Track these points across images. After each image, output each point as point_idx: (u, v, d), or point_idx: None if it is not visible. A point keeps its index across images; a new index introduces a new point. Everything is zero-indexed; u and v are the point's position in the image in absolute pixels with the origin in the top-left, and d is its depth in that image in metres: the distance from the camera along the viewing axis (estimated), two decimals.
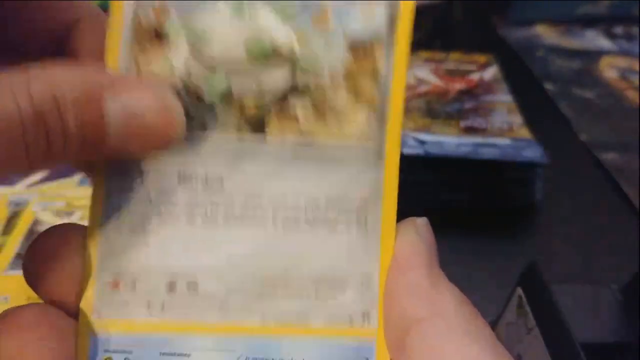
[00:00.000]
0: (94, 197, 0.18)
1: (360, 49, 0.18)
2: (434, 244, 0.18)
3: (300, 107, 0.18)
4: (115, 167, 0.18)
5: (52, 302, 0.17)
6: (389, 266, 0.18)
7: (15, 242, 0.40)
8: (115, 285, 0.17)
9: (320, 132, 0.18)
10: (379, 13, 0.18)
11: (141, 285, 0.17)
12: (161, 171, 0.18)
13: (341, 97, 0.18)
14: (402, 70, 0.19)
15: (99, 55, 0.18)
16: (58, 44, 0.20)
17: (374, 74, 0.18)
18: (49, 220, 0.42)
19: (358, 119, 0.18)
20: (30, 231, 0.41)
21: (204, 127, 0.18)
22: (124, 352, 0.17)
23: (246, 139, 0.18)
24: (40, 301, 0.17)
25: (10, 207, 0.43)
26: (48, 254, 0.17)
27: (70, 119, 0.15)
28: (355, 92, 0.18)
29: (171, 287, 0.18)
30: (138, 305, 0.17)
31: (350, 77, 0.18)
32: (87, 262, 0.17)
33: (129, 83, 0.16)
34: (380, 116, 0.18)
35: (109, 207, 0.18)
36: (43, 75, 0.15)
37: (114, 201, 0.18)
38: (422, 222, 0.18)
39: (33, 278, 0.17)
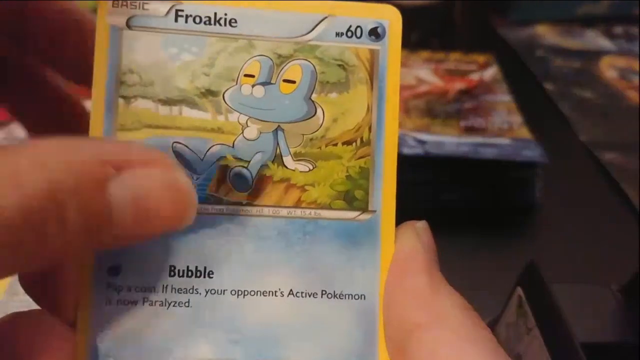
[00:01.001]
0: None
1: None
2: (434, 247, 0.18)
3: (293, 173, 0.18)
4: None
5: (50, 309, 0.17)
6: (388, 271, 0.18)
7: None
8: None
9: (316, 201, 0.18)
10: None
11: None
12: (152, 261, 0.17)
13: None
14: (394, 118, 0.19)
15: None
16: (56, 46, 0.19)
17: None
18: None
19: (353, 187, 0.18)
20: None
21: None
22: None
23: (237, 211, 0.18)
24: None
25: None
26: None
27: (71, 213, 0.13)
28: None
29: None
30: None
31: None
32: (83, 270, 0.17)
33: (135, 159, 0.14)
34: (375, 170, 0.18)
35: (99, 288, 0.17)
36: (35, 160, 0.13)
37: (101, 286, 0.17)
38: (421, 225, 0.18)
39: (31, 289, 0.17)
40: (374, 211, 0.18)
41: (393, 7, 0.18)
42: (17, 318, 0.16)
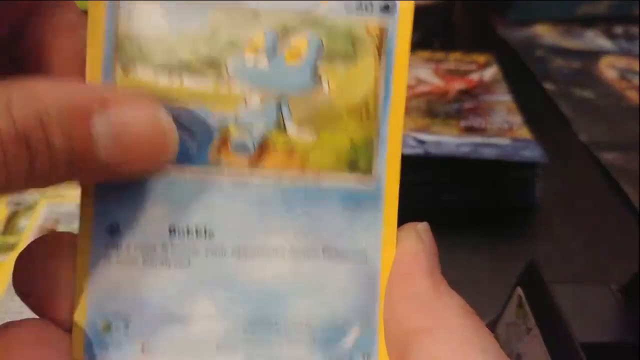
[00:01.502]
0: (83, 216, 0.17)
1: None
2: (435, 249, 0.18)
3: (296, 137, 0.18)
4: (103, 203, 0.17)
5: (46, 317, 0.17)
6: (389, 274, 0.18)
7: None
8: (107, 328, 0.17)
9: (317, 165, 0.18)
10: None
11: (134, 325, 0.17)
12: (151, 220, 0.17)
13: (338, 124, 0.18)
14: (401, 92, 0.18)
15: (60, 42, 0.17)
16: (15, 31, 0.18)
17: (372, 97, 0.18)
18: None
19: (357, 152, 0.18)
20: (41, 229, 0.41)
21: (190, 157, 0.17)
22: None
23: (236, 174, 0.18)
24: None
25: (10, 206, 0.43)
26: (37, 269, 0.17)
27: (56, 138, 0.14)
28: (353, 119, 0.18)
29: (164, 326, 0.17)
30: (131, 345, 0.17)
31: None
32: (79, 284, 0.17)
33: (118, 97, 0.15)
34: (379, 141, 0.18)
35: (98, 236, 0.17)
36: (25, 92, 0.14)
37: (100, 240, 0.17)
38: (423, 227, 0.18)
39: (24, 294, 0.17)
40: (378, 178, 0.18)
41: None
42: (11, 327, 0.16)
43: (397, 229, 0.18)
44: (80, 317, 0.17)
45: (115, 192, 0.17)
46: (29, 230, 0.41)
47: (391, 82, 0.18)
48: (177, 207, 0.17)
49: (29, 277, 0.17)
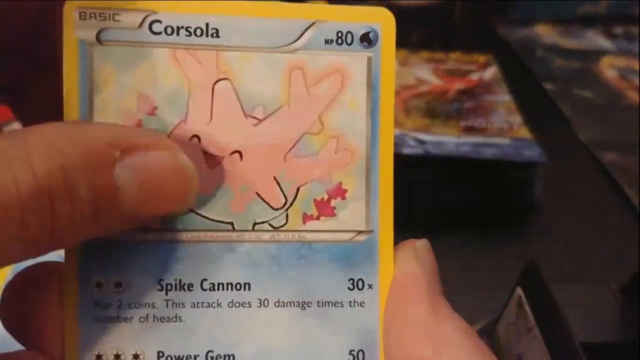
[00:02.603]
0: (67, 295, 0.16)
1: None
2: (435, 268, 0.17)
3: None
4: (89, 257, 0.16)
5: (36, 349, 0.16)
6: (387, 297, 0.17)
7: None
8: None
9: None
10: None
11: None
12: (140, 277, 0.17)
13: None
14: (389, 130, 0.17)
15: None
16: (33, 26, 0.18)
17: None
18: None
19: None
20: None
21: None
22: None
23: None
24: None
25: None
26: (24, 300, 0.16)
27: (80, 191, 0.13)
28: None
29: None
30: None
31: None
32: (68, 310, 0.16)
33: (139, 141, 0.15)
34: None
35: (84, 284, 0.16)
36: (44, 141, 0.13)
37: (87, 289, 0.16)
38: (422, 245, 0.17)
39: (11, 326, 0.16)
40: (371, 231, 0.17)
41: (385, 9, 0.17)
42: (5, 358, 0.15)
43: (395, 247, 0.17)
44: (72, 350, 0.16)
45: (101, 249, 0.17)
46: None
47: (378, 123, 0.17)
48: (167, 264, 0.17)
49: (16, 311, 0.16)
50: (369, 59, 0.17)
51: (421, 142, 0.46)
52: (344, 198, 0.17)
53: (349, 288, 0.17)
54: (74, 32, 0.16)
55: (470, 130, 0.49)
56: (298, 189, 0.17)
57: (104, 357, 0.16)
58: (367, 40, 0.17)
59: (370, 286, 0.17)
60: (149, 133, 0.16)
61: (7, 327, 0.16)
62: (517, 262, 0.31)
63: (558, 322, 0.27)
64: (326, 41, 0.17)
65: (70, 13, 0.16)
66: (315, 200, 0.17)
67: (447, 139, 0.47)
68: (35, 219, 0.13)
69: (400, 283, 0.17)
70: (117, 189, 0.14)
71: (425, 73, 0.57)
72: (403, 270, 0.17)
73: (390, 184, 0.17)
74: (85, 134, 0.14)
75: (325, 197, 0.17)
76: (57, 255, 0.16)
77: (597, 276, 0.42)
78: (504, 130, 0.49)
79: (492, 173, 0.46)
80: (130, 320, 0.17)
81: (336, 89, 0.17)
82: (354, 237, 0.17)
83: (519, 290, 0.30)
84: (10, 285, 0.16)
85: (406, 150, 0.45)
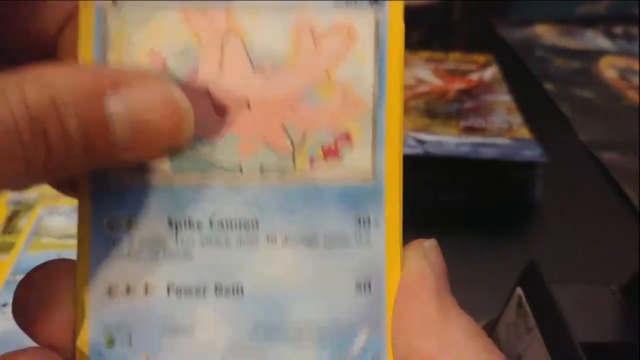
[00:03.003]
0: (80, 233, 0.17)
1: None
2: (443, 268, 0.17)
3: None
4: (102, 204, 0.17)
5: (47, 346, 0.16)
6: (395, 297, 0.17)
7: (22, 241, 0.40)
8: (111, 342, 0.17)
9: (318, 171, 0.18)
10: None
11: (137, 337, 0.17)
12: (150, 215, 0.17)
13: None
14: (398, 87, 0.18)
15: None
16: (50, 45, 0.18)
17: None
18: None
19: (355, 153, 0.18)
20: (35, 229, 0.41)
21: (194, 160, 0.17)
22: None
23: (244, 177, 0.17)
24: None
25: (10, 206, 0.43)
26: (37, 297, 0.16)
27: (71, 122, 0.14)
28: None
29: (167, 337, 0.17)
30: (135, 359, 0.17)
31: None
32: (79, 305, 0.17)
33: (131, 77, 0.15)
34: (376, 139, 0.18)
35: (96, 253, 0.17)
36: (38, 77, 0.14)
37: (100, 249, 0.17)
38: (430, 245, 0.17)
39: (24, 323, 0.16)
40: (377, 175, 0.18)
41: None
42: (13, 356, 0.16)
43: (404, 247, 0.18)
44: (83, 335, 0.17)
45: (112, 188, 0.17)
46: (27, 229, 0.41)
47: (385, 76, 0.18)
48: (177, 203, 0.17)
49: (28, 307, 0.16)
50: (377, 16, 0.18)
51: (421, 142, 0.46)
52: (350, 144, 0.18)
53: (355, 226, 0.18)
54: None
55: (470, 130, 0.49)
56: (305, 136, 0.18)
57: (114, 289, 0.17)
58: (376, 1, 0.18)
59: (376, 225, 0.18)
60: (142, 71, 0.16)
61: (20, 324, 0.16)
62: (517, 262, 0.31)
63: (558, 322, 0.27)
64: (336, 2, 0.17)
65: None
66: (322, 146, 0.18)
67: (447, 139, 0.47)
68: (32, 148, 0.13)
69: (409, 282, 0.17)
70: (108, 123, 0.14)
71: (425, 73, 0.57)
72: (411, 270, 0.17)
73: (399, 136, 0.18)
74: (78, 71, 0.15)
75: (332, 143, 0.18)
76: (68, 254, 0.16)
77: (597, 276, 0.42)
78: (504, 130, 0.49)
79: (492, 173, 0.46)
80: (141, 256, 0.17)
81: (344, 44, 0.18)
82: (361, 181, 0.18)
83: (519, 290, 0.30)
84: (23, 283, 0.16)
85: (406, 150, 0.45)
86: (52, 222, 0.42)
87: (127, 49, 0.17)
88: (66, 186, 0.19)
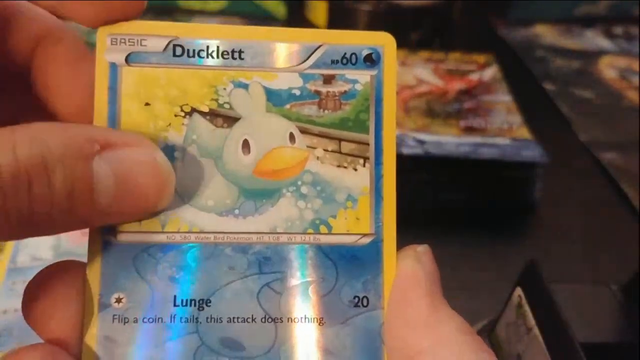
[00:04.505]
0: (89, 284, 0.17)
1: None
2: (435, 271, 0.18)
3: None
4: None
5: (55, 343, 0.17)
6: (389, 298, 0.18)
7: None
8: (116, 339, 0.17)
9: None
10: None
11: (141, 335, 0.17)
12: (157, 292, 0.17)
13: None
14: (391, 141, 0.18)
15: (64, 73, 0.18)
16: (23, 61, 0.19)
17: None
18: None
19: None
20: None
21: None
22: None
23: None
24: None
25: None
26: (47, 295, 0.17)
27: (57, 179, 0.14)
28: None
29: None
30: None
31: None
32: (89, 302, 0.17)
33: (118, 139, 0.16)
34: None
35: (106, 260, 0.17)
36: (30, 133, 0.14)
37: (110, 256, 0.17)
38: (422, 249, 0.18)
39: (33, 319, 0.17)
40: (374, 234, 0.18)
41: (387, 34, 0.19)
42: (22, 352, 0.16)
43: (398, 252, 0.18)
44: (91, 331, 0.17)
45: (120, 261, 0.17)
46: None
47: (381, 134, 0.18)
48: (180, 277, 0.17)
49: (38, 306, 0.17)
50: (372, 77, 0.18)
51: (421, 142, 0.46)
52: None
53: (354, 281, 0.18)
54: (105, 55, 0.18)
55: (470, 130, 0.49)
56: None
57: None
58: (370, 60, 0.18)
59: (374, 287, 0.18)
60: (129, 133, 0.17)
61: (29, 321, 0.17)
62: (517, 262, 0.31)
63: (558, 322, 0.27)
64: (332, 62, 0.18)
65: (102, 38, 0.18)
66: None
67: (447, 139, 0.47)
68: (15, 199, 0.14)
69: (402, 284, 0.18)
70: (94, 181, 0.15)
71: (425, 73, 0.57)
72: (404, 272, 0.18)
73: (393, 192, 0.18)
74: (68, 129, 0.15)
75: None
76: (76, 254, 0.16)
77: (597, 276, 0.42)
78: (504, 130, 0.49)
79: (492, 173, 0.46)
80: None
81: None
82: (358, 240, 0.18)
83: (519, 290, 0.30)
84: (33, 281, 0.17)
85: (406, 150, 0.45)
86: None
87: (141, 105, 0.18)
88: None
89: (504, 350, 0.31)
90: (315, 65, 0.18)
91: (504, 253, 0.44)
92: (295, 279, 0.18)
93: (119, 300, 0.17)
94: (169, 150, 0.17)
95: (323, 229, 0.18)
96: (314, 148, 0.18)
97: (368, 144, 0.18)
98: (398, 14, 0.64)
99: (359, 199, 0.18)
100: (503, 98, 0.53)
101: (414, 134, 0.47)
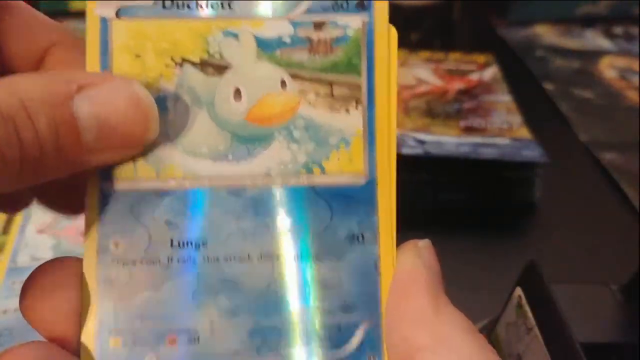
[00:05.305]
0: (88, 232, 0.17)
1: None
2: (436, 267, 0.17)
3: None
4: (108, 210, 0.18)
5: (53, 340, 0.17)
6: (389, 293, 0.18)
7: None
8: (116, 344, 0.17)
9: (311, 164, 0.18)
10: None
11: (142, 340, 0.17)
12: (153, 235, 0.18)
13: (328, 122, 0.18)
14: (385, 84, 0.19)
15: (17, 44, 0.18)
16: (32, 67, 0.19)
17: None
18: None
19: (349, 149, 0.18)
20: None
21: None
22: None
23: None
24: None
25: None
26: (45, 292, 0.17)
27: (41, 121, 0.15)
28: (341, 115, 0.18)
29: (171, 341, 0.17)
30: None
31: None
32: (86, 302, 0.17)
33: (95, 79, 0.16)
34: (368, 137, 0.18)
35: (103, 247, 0.17)
36: (7, 83, 0.15)
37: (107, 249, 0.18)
38: (424, 244, 0.18)
39: (31, 316, 0.17)
40: (368, 175, 0.18)
41: None
42: (18, 350, 0.16)
43: (398, 247, 0.18)
44: (89, 335, 0.17)
45: (118, 208, 0.18)
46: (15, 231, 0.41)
47: (373, 78, 0.18)
48: (177, 221, 0.18)
49: (36, 302, 0.17)
50: (364, 23, 0.18)
51: (421, 142, 0.46)
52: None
53: (348, 222, 0.18)
54: (96, 10, 0.18)
55: (470, 130, 0.49)
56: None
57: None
58: (362, 5, 0.18)
59: (371, 229, 0.18)
60: (104, 73, 0.17)
61: (27, 318, 0.17)
62: (517, 262, 0.31)
63: (558, 322, 0.27)
64: (323, 8, 0.18)
65: None
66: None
67: (447, 139, 0.47)
68: (5, 143, 0.14)
69: (402, 279, 0.17)
70: (76, 123, 0.15)
71: (425, 73, 0.57)
72: (405, 267, 0.17)
73: (387, 133, 0.18)
74: (45, 75, 0.15)
75: None
76: (74, 252, 0.17)
77: (597, 276, 0.42)
78: (504, 130, 0.49)
79: (492, 173, 0.46)
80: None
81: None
82: (352, 179, 0.18)
83: (519, 290, 0.30)
84: (31, 279, 0.17)
85: (406, 150, 0.45)
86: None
87: (133, 58, 0.18)
88: (53, 201, 0.20)
89: (504, 350, 0.31)
90: (305, 12, 0.18)
91: (504, 253, 0.44)
92: (291, 219, 0.18)
93: (117, 244, 0.17)
94: (161, 101, 0.18)
95: (316, 170, 0.18)
96: (306, 92, 0.18)
97: (360, 87, 0.18)
98: (398, 14, 0.64)
99: (351, 141, 0.18)
100: (503, 98, 0.53)
101: (414, 134, 0.47)
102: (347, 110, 0.18)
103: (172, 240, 0.18)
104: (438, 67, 0.58)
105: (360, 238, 0.18)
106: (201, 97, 0.18)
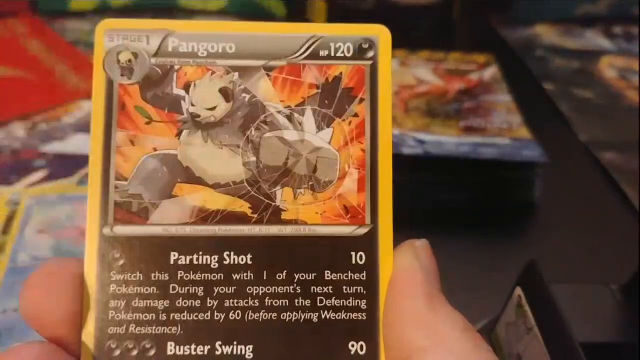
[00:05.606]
0: (89, 235, 0.18)
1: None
2: (434, 267, 0.17)
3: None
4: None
5: (54, 341, 0.17)
6: (387, 294, 0.18)
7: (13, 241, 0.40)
8: (116, 349, 0.17)
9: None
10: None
11: (143, 345, 0.17)
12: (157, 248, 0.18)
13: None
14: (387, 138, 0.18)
15: None
16: None
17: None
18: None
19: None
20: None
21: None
22: None
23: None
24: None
25: (9, 206, 0.43)
26: (45, 292, 0.17)
27: None
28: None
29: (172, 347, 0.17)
30: None
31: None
32: (86, 303, 0.17)
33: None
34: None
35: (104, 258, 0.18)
36: None
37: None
38: (421, 245, 0.18)
39: (31, 316, 0.17)
40: (371, 225, 0.18)
41: (382, 26, 0.19)
42: (19, 350, 0.16)
43: (395, 247, 0.18)
44: (89, 336, 0.17)
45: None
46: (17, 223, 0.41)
47: (377, 124, 0.18)
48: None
49: (36, 303, 0.17)
50: (367, 68, 0.18)
51: (421, 142, 0.46)
52: None
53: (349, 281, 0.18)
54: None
55: (470, 130, 0.49)
56: None
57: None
58: (364, 51, 0.18)
59: (371, 280, 0.18)
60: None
61: (27, 319, 0.17)
62: (517, 262, 0.31)
63: (558, 322, 0.27)
64: (326, 53, 0.18)
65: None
66: None
67: (447, 139, 0.47)
68: None
69: (399, 279, 0.17)
70: None
71: (425, 73, 0.57)
72: (402, 267, 0.17)
73: (390, 183, 0.18)
74: None
75: None
76: (74, 252, 0.17)
77: (597, 276, 0.42)
78: (504, 130, 0.49)
79: (492, 173, 0.46)
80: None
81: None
82: (354, 231, 0.18)
83: (519, 290, 0.30)
84: (31, 279, 0.17)
85: (406, 150, 0.45)
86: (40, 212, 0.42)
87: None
88: None
89: (504, 350, 0.31)
90: (309, 57, 0.18)
91: (504, 253, 0.44)
92: None
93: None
94: None
95: None
96: None
97: None
98: (398, 14, 0.64)
99: None
100: (503, 98, 0.53)
101: (414, 134, 0.47)
102: None
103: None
104: (438, 67, 0.58)
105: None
106: None
